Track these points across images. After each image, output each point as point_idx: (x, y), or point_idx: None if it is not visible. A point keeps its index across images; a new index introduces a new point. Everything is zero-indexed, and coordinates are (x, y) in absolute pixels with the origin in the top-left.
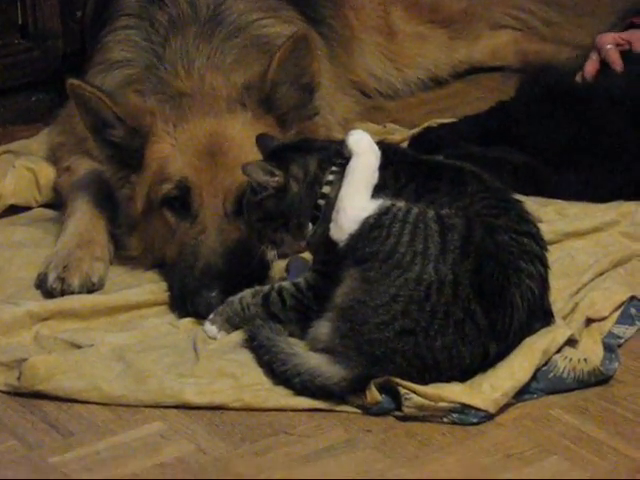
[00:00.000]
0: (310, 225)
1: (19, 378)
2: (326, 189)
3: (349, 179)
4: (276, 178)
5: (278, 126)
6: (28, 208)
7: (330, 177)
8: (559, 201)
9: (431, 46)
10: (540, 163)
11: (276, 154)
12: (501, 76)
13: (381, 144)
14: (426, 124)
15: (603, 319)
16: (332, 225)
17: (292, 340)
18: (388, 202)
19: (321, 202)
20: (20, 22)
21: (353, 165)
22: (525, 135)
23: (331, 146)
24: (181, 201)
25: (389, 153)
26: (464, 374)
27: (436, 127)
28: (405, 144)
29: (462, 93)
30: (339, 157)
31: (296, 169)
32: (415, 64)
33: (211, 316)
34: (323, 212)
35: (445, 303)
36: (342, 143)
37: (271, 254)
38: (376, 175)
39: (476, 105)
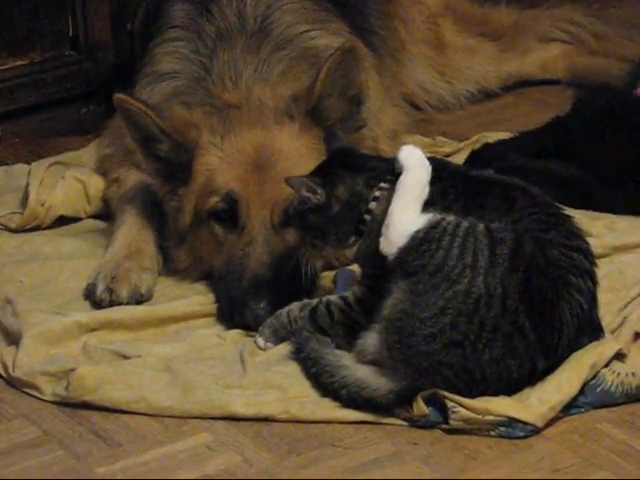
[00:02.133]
0: (353, 238)
1: (67, 388)
2: (372, 205)
3: (399, 193)
4: (318, 196)
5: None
6: (77, 219)
7: (377, 193)
8: (608, 215)
9: (480, 59)
10: (590, 177)
11: (326, 169)
12: (551, 89)
13: (431, 159)
14: (476, 138)
15: None
16: (382, 239)
17: (339, 352)
18: (437, 216)
19: (367, 217)
20: (71, 34)
21: (403, 180)
22: (580, 150)
23: (381, 164)
24: (228, 213)
25: (438, 169)
26: (511, 388)
27: (494, 143)
28: (457, 157)
29: (512, 106)
30: (388, 174)
31: (342, 190)
32: (464, 77)
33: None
34: (369, 227)
35: (494, 316)
36: (393, 160)
37: (318, 265)
38: (426, 190)
39: (526, 118)
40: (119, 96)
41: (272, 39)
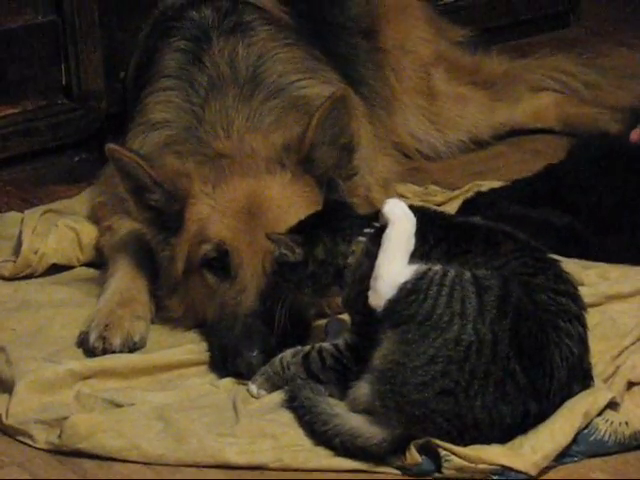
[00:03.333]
0: (334, 289)
1: (60, 436)
2: (350, 259)
3: (385, 246)
4: (295, 255)
5: (317, 186)
6: (70, 267)
7: (354, 247)
8: (601, 264)
9: (472, 108)
10: (584, 225)
11: (309, 227)
12: (543, 138)
13: (411, 207)
14: (469, 187)
15: None
16: (370, 292)
17: (332, 401)
18: (424, 267)
19: (345, 270)
20: (64, 82)
21: (389, 233)
22: (573, 198)
23: (361, 221)
24: (220, 262)
25: (417, 215)
26: (504, 434)
27: (486, 191)
28: (449, 206)
29: (503, 155)
30: (366, 227)
31: (320, 250)
32: (456, 125)
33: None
34: (349, 278)
35: (485, 363)
36: (375, 214)
37: (309, 313)
38: (412, 242)
39: (518, 167)
40: (111, 146)
41: (264, 88)
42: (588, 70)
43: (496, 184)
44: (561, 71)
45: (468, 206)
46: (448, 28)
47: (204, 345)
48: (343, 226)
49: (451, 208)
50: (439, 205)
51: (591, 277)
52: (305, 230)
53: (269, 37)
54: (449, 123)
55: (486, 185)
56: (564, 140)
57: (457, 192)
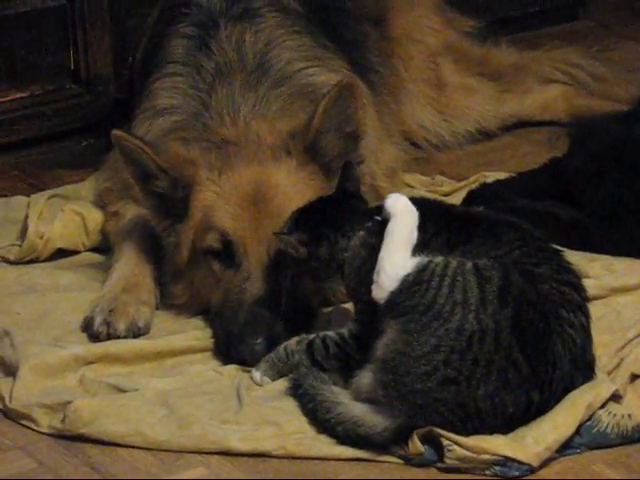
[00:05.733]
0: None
1: (63, 421)
2: (348, 253)
3: (388, 240)
4: (299, 254)
5: (323, 174)
6: (76, 252)
7: (353, 242)
8: (606, 256)
9: (480, 99)
10: (588, 218)
11: (316, 225)
12: (551, 131)
13: (411, 199)
14: (475, 177)
15: None
16: (374, 286)
17: (336, 389)
18: (425, 259)
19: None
20: (72, 67)
21: (391, 227)
22: (578, 191)
23: (366, 216)
24: (225, 250)
25: (417, 206)
26: (507, 424)
27: (491, 183)
28: (455, 196)
29: (511, 147)
30: (369, 221)
31: (324, 250)
32: (464, 116)
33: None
34: (347, 268)
35: (487, 352)
36: (378, 208)
37: (314, 301)
38: (415, 235)
39: (525, 159)
40: (117, 133)
41: (271, 75)
42: (596, 63)
43: (502, 175)
44: (569, 64)
45: (473, 197)
46: (457, 18)
47: (208, 332)
48: (348, 221)
49: (457, 199)
50: (445, 195)
51: (596, 269)
52: (311, 224)
53: (277, 24)
54: (457, 113)
55: (492, 176)
56: (568, 132)
57: (463, 183)
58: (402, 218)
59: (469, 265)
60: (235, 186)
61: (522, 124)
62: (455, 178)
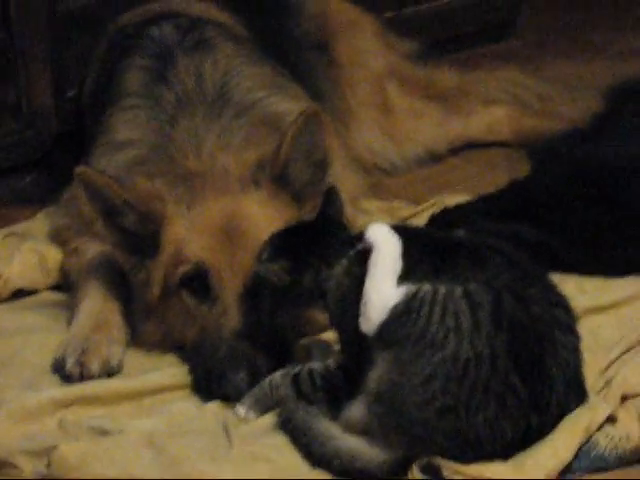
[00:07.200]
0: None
1: (49, 467)
2: (331, 282)
3: (372, 272)
4: (282, 282)
5: (293, 203)
6: (35, 291)
7: (336, 270)
8: (576, 277)
9: (427, 121)
10: (554, 240)
11: (299, 252)
12: (497, 151)
13: (392, 226)
14: (433, 201)
15: (638, 395)
16: (361, 319)
17: (327, 423)
18: (413, 287)
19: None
20: (13, 103)
21: (374, 258)
22: (545, 213)
23: (349, 244)
24: (200, 283)
25: (397, 233)
26: (506, 449)
27: (454, 207)
28: (415, 220)
29: (459, 169)
30: (351, 248)
31: (307, 279)
32: (412, 139)
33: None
34: (331, 297)
35: (484, 377)
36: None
37: (290, 332)
38: (399, 264)
39: (474, 180)
40: (81, 169)
41: (232, 105)
42: (540, 82)
43: (460, 198)
44: (514, 83)
45: (436, 221)
46: (397, 42)
47: (184, 368)
48: (331, 249)
49: (418, 222)
50: (405, 220)
51: (568, 290)
52: (293, 251)
53: (233, 53)
54: (405, 137)
55: (450, 199)
56: (520, 152)
57: (421, 207)
58: (385, 248)
59: (459, 290)
60: (206, 219)
61: (470, 145)
62: (410, 202)
